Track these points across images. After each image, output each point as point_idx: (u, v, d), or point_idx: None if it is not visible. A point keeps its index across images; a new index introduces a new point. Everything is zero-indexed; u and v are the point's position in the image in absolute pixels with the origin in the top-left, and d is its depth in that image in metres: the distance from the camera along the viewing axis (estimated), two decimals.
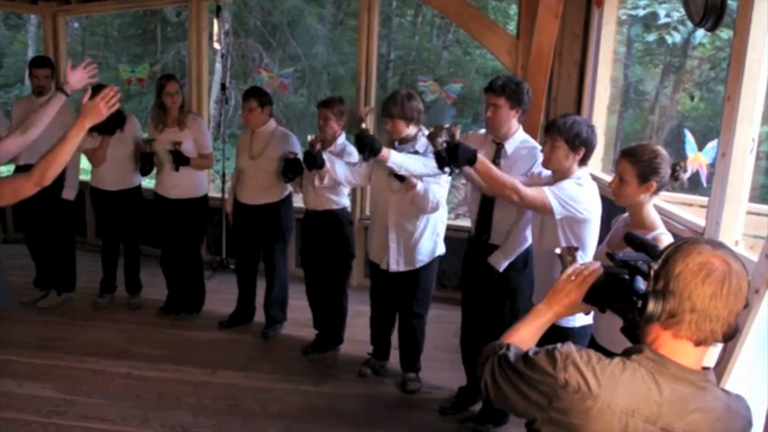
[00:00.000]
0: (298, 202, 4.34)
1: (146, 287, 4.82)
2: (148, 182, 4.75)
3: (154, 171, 4.42)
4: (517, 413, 1.45)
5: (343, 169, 3.63)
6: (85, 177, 4.84)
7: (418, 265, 3.61)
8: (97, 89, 2.44)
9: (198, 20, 5.31)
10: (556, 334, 1.67)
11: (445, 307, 4.35)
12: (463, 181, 3.88)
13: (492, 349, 1.50)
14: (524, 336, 1.54)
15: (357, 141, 3.27)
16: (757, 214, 3.37)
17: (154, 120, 4.34)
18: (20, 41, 12.23)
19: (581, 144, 2.68)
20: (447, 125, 2.82)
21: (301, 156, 3.85)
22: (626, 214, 2.50)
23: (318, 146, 3.61)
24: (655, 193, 2.37)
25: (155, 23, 11.66)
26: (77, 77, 2.91)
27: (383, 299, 3.81)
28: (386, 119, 3.44)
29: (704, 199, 3.11)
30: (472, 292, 3.43)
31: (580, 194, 2.68)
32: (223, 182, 5.40)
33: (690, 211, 3.30)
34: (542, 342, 1.50)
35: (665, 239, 2.23)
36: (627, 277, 1.46)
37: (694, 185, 3.27)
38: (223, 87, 5.52)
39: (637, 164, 2.33)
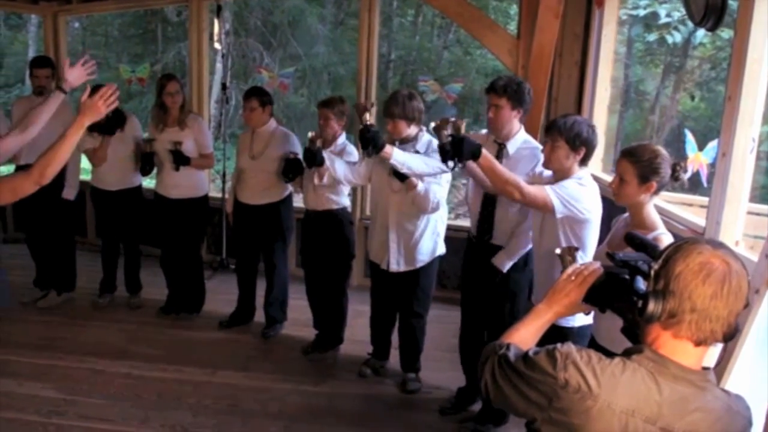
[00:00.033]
0: (298, 202, 4.34)
1: (146, 287, 4.82)
2: (148, 182, 4.75)
3: (155, 171, 4.42)
4: (517, 413, 1.45)
5: (342, 167, 3.63)
6: (85, 177, 4.84)
7: (419, 265, 3.61)
8: (96, 88, 2.44)
9: (198, 20, 5.31)
10: (556, 334, 1.67)
11: (445, 307, 4.35)
12: (464, 180, 3.88)
13: (492, 349, 1.50)
14: (524, 336, 1.54)
15: (360, 136, 3.26)
16: (758, 214, 3.37)
17: (155, 120, 4.34)
18: (21, 41, 12.24)
19: (582, 144, 2.68)
20: (453, 119, 2.81)
21: (301, 156, 3.85)
22: (626, 214, 2.50)
23: (318, 143, 3.61)
24: (656, 193, 2.37)
25: (156, 23, 11.67)
26: (75, 74, 2.90)
27: (383, 299, 3.81)
28: (387, 119, 3.43)
29: (704, 199, 3.11)
30: (472, 292, 3.43)
31: (581, 194, 2.68)
32: (224, 182, 5.40)
33: (690, 211, 3.29)
34: (542, 342, 1.50)
35: (665, 239, 2.23)
36: (627, 277, 1.46)
37: (695, 185, 3.27)
38: (223, 87, 5.52)
39: (638, 164, 2.33)
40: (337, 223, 3.97)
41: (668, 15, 7.89)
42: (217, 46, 5.46)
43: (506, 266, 3.22)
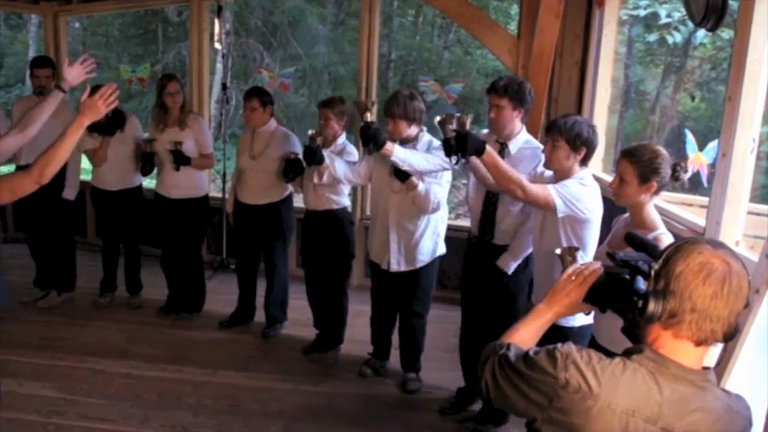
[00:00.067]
0: (298, 202, 4.34)
1: (147, 287, 4.82)
2: (148, 182, 4.75)
3: (155, 171, 4.42)
4: (517, 413, 1.45)
5: (342, 166, 3.63)
6: (86, 177, 4.84)
7: (419, 265, 3.61)
8: (96, 88, 2.44)
9: (199, 20, 5.31)
10: (556, 333, 1.67)
11: (445, 307, 4.35)
12: (464, 180, 3.88)
13: (492, 349, 1.50)
14: (524, 336, 1.54)
15: (361, 134, 3.26)
16: (758, 214, 3.37)
17: (155, 120, 4.34)
18: (21, 41, 12.24)
19: (582, 144, 2.68)
20: (458, 114, 2.81)
21: (301, 155, 3.85)
22: (627, 215, 2.50)
23: (318, 140, 3.61)
24: (656, 193, 2.37)
25: (156, 23, 11.67)
26: (74, 73, 2.90)
27: (384, 299, 3.81)
28: (388, 119, 3.43)
29: (705, 200, 3.11)
30: (472, 292, 3.43)
31: (582, 193, 2.68)
32: (224, 182, 5.40)
33: (690, 211, 3.30)
34: (542, 342, 1.50)
35: (666, 239, 2.23)
36: (627, 277, 1.46)
37: (695, 185, 3.27)
38: (224, 87, 5.52)
39: (638, 164, 2.33)
40: (338, 223, 3.97)
41: (668, 15, 7.89)
42: (217, 46, 5.46)
43: (511, 268, 3.22)
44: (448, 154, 2.83)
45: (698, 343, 1.31)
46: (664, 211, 2.99)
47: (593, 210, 2.70)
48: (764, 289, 2.19)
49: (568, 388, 1.31)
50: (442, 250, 3.69)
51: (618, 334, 1.53)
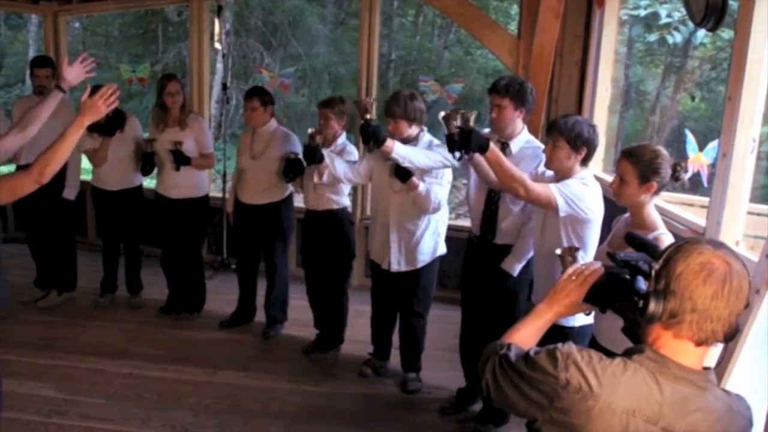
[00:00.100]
0: (298, 202, 4.34)
1: (147, 287, 4.82)
2: (149, 182, 4.76)
3: (155, 171, 4.42)
4: (518, 413, 1.45)
5: (342, 166, 3.62)
6: (86, 177, 4.84)
7: (419, 265, 3.61)
8: (96, 88, 2.44)
9: (199, 20, 5.31)
10: (556, 333, 1.67)
11: (445, 307, 4.35)
12: (464, 180, 3.88)
13: (493, 349, 1.50)
14: (525, 336, 1.54)
15: (362, 131, 3.25)
16: (758, 214, 3.37)
17: (155, 120, 4.34)
18: (21, 41, 12.23)
19: (583, 144, 2.68)
20: (462, 110, 2.81)
21: (301, 155, 3.85)
22: (627, 215, 2.51)
23: (318, 138, 3.61)
24: (656, 193, 2.37)
25: (156, 23, 11.67)
26: (74, 73, 2.90)
27: (384, 299, 3.81)
28: (389, 119, 3.43)
29: (705, 200, 3.11)
30: (473, 292, 3.43)
31: (584, 193, 2.67)
32: (224, 182, 5.40)
33: (690, 211, 3.30)
34: (543, 342, 1.50)
35: (666, 239, 2.23)
36: (628, 277, 1.46)
37: (695, 185, 3.27)
38: (224, 87, 5.52)
39: (638, 164, 2.33)
40: (338, 223, 3.97)
41: (669, 15, 7.89)
42: (217, 46, 5.46)
43: (516, 269, 3.22)
44: (452, 150, 2.82)
45: (699, 344, 1.31)
46: (664, 211, 2.99)
47: (594, 210, 2.70)
48: (764, 290, 2.19)
49: (568, 388, 1.31)
50: (442, 250, 3.69)
51: (618, 334, 1.53)
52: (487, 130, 3.37)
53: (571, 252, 1.63)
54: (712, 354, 1.42)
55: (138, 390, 3.66)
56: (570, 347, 1.36)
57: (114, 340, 4.23)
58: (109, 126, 4.15)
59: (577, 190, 2.66)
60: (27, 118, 2.87)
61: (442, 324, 4.12)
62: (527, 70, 4.22)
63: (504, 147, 3.16)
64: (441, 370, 3.89)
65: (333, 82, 11.00)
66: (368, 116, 3.28)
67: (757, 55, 2.46)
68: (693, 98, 9.72)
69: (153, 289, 4.78)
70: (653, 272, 1.32)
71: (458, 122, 2.75)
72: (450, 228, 3.84)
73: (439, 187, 3.45)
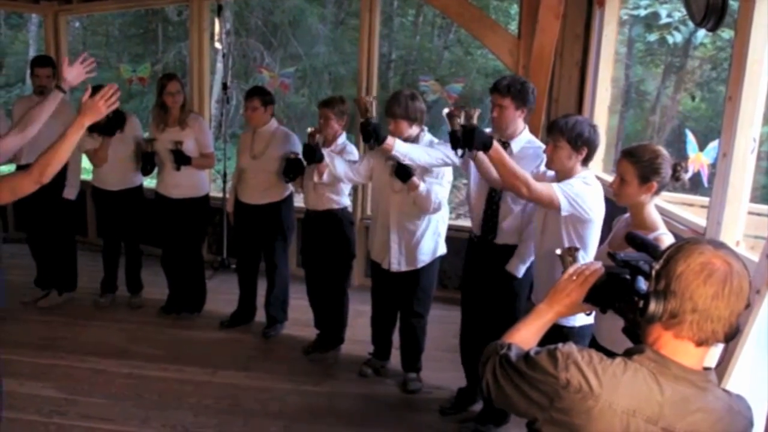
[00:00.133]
0: (298, 201, 4.34)
1: (147, 287, 4.82)
2: (149, 182, 4.76)
3: (156, 170, 4.42)
4: (518, 413, 1.45)
5: (342, 165, 3.62)
6: (86, 177, 4.84)
7: (420, 264, 3.61)
8: (97, 89, 2.44)
9: (199, 20, 5.31)
10: (556, 333, 1.68)
11: (446, 307, 4.35)
12: (465, 180, 3.87)
13: (493, 349, 1.50)
14: (525, 336, 1.54)
15: (362, 129, 3.25)
16: (758, 214, 3.36)
17: (156, 119, 4.34)
18: (21, 41, 12.23)
19: (584, 144, 2.67)
20: (466, 107, 2.80)
21: (301, 155, 3.85)
22: (627, 215, 2.50)
23: (318, 137, 3.61)
24: (656, 193, 2.37)
25: (156, 23, 11.67)
26: (74, 73, 2.90)
27: (384, 299, 3.81)
28: (389, 119, 3.42)
29: (705, 200, 3.11)
30: (473, 292, 3.43)
31: (586, 193, 2.67)
32: (224, 182, 5.40)
33: (691, 211, 3.29)
34: (543, 341, 1.51)
35: (666, 239, 2.23)
36: (628, 277, 1.46)
37: (695, 185, 3.27)
38: (224, 86, 5.52)
39: (638, 164, 2.33)
40: (338, 222, 3.97)
41: (669, 15, 7.90)
42: (217, 45, 5.47)
43: (521, 271, 3.22)
44: (455, 147, 2.82)
45: (699, 344, 1.31)
46: (664, 211, 2.99)
47: (596, 210, 2.70)
48: (765, 290, 2.19)
49: (569, 388, 1.31)
50: (442, 250, 3.69)
51: (619, 335, 1.53)
52: (488, 130, 3.37)
53: (572, 252, 1.63)
54: (713, 354, 1.42)
55: (138, 390, 3.66)
56: (570, 347, 1.36)
57: (114, 339, 4.23)
58: (110, 126, 4.16)
59: (579, 190, 2.66)
60: (27, 119, 2.87)
61: (443, 324, 4.12)
62: (527, 70, 4.22)
63: (505, 147, 3.15)
64: (441, 370, 3.89)
65: (333, 82, 11.00)
66: (368, 115, 3.27)
67: (757, 55, 2.46)
68: (693, 98, 9.72)
69: (153, 289, 4.79)
70: (654, 272, 1.32)
71: (462, 119, 2.75)
72: (450, 228, 3.85)
73: (440, 187, 3.45)
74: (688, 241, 1.34)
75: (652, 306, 1.29)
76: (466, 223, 4.46)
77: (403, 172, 3.36)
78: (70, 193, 4.44)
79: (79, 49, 10.49)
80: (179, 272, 4.56)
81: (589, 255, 2.67)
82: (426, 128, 3.53)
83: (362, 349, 4.04)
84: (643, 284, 1.42)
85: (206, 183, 4.53)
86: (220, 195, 5.28)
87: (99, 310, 4.66)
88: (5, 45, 12.38)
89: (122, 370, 3.85)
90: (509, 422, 3.37)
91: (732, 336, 1.31)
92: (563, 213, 2.65)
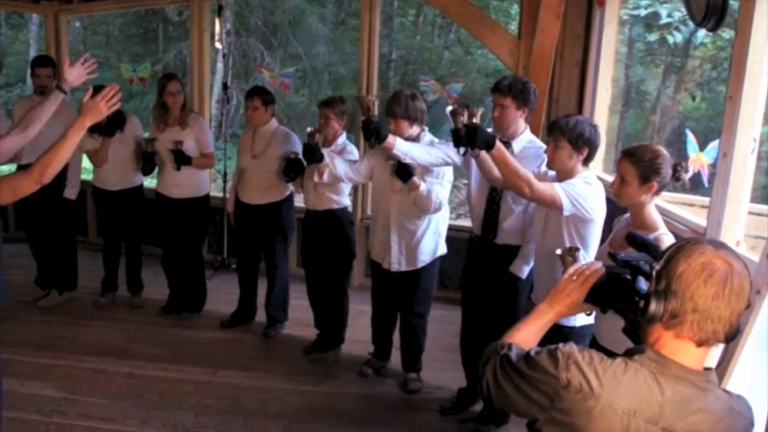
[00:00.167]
0: (299, 201, 4.34)
1: (148, 287, 4.82)
2: (149, 182, 4.76)
3: (156, 170, 4.43)
4: (518, 413, 1.45)
5: (342, 165, 3.62)
6: (87, 176, 4.84)
7: (420, 264, 3.61)
8: (97, 89, 2.44)
9: (200, 20, 5.31)
10: (557, 333, 1.68)
11: (446, 307, 4.35)
12: (465, 180, 3.87)
13: (494, 349, 1.50)
14: (526, 336, 1.54)
15: (363, 127, 3.23)
16: (759, 214, 3.37)
17: (156, 119, 4.34)
18: (22, 40, 12.24)
19: (584, 144, 2.67)
20: (469, 106, 2.80)
21: (301, 154, 3.85)
22: (628, 215, 2.50)
23: (318, 137, 3.61)
24: (657, 193, 2.37)
25: (157, 23, 11.67)
26: (75, 74, 2.90)
27: (384, 299, 3.81)
28: (390, 119, 3.42)
29: (705, 200, 3.11)
30: (473, 292, 3.43)
31: (587, 193, 2.67)
32: (225, 182, 5.40)
33: (691, 211, 3.30)
34: (543, 341, 1.50)
35: (667, 239, 2.23)
36: (629, 277, 1.46)
37: (696, 185, 3.27)
38: (224, 86, 5.52)
39: (639, 164, 2.33)
40: (338, 222, 3.97)
41: (669, 15, 7.89)
42: (218, 45, 5.47)
43: (524, 272, 3.22)
44: (457, 145, 2.82)
45: (700, 344, 1.31)
46: (665, 211, 2.99)
47: (597, 209, 2.70)
48: (765, 290, 2.19)
49: (569, 389, 1.31)
50: (443, 250, 3.69)
51: (619, 335, 1.53)
52: (489, 130, 3.37)
53: (572, 252, 1.63)
54: (713, 354, 1.42)
55: (138, 390, 3.66)
56: (571, 347, 1.36)
57: (114, 339, 4.24)
58: (110, 126, 4.16)
59: (581, 190, 2.66)
60: (28, 119, 2.87)
61: (443, 324, 4.12)
62: (528, 70, 4.22)
63: (506, 146, 3.15)
64: (441, 370, 3.89)
65: (333, 81, 11.00)
66: (370, 114, 3.27)
67: (757, 55, 2.46)
68: (693, 98, 9.72)
69: (154, 289, 4.79)
70: (654, 272, 1.32)
71: (465, 118, 2.75)
72: (451, 228, 3.85)
73: (440, 187, 3.45)
74: (688, 241, 1.34)
75: (653, 306, 1.29)
76: (466, 223, 4.46)
77: (404, 172, 3.36)
78: (71, 193, 4.45)
79: (79, 49, 10.50)
80: (179, 272, 4.56)
81: (590, 255, 2.68)
82: (426, 128, 3.53)
83: (362, 349, 4.04)
84: (643, 284, 1.42)
85: (206, 183, 4.53)
86: (221, 195, 5.28)
87: (99, 310, 4.66)
88: (6, 45, 12.38)
89: (122, 370, 3.85)
90: (509, 422, 3.36)
91: (732, 336, 1.31)
92: (565, 213, 2.65)
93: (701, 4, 2.66)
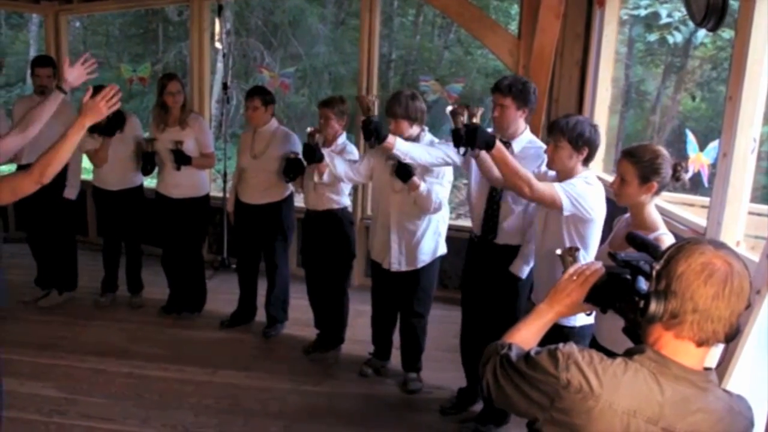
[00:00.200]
0: (299, 201, 4.34)
1: (148, 287, 4.82)
2: (149, 181, 4.76)
3: (156, 170, 4.43)
4: (518, 413, 1.45)
5: (343, 165, 3.62)
6: (87, 176, 4.84)
7: (420, 264, 3.61)
8: (97, 89, 2.44)
9: (200, 20, 5.31)
10: (557, 333, 1.68)
11: (446, 307, 4.35)
12: (465, 180, 3.87)
13: (494, 349, 1.50)
14: (526, 336, 1.54)
15: (363, 127, 3.23)
16: (759, 214, 3.37)
17: (156, 119, 4.34)
18: (22, 40, 12.24)
19: (584, 144, 2.67)
20: (470, 105, 2.80)
21: (301, 154, 3.85)
22: (628, 215, 2.50)
23: (317, 137, 3.61)
24: (657, 193, 2.37)
25: (157, 22, 11.67)
26: (75, 75, 2.90)
27: (384, 299, 3.81)
28: (390, 119, 3.42)
29: (705, 200, 3.11)
30: (473, 292, 3.43)
31: (587, 193, 2.67)
32: (225, 182, 5.40)
33: (691, 211, 3.30)
34: (543, 341, 1.51)
35: (667, 239, 2.23)
36: (629, 277, 1.46)
37: (696, 185, 3.27)
38: (224, 86, 5.52)
39: (639, 164, 2.33)
40: (338, 222, 3.97)
41: (669, 15, 7.89)
42: (218, 45, 5.47)
43: (524, 272, 3.22)
44: (457, 145, 2.82)
45: (700, 344, 1.31)
46: (664, 211, 2.99)
47: (597, 209, 2.70)
48: (765, 290, 2.19)
49: (569, 389, 1.31)
50: (443, 250, 3.69)
51: (619, 335, 1.53)
52: (489, 130, 3.37)
53: (572, 252, 1.63)
54: (713, 354, 1.42)
55: (138, 389, 3.66)
56: (571, 347, 1.36)
57: (115, 339, 4.24)
58: (110, 126, 4.16)
59: (581, 190, 2.66)
60: (28, 119, 2.87)
61: (443, 324, 4.12)
62: (527, 70, 4.22)
63: (506, 146, 3.15)
64: (442, 370, 3.89)
65: (333, 81, 11.00)
66: (370, 114, 3.26)
67: (757, 55, 2.46)
68: (693, 98, 9.72)
69: (154, 289, 4.79)
70: (654, 272, 1.32)
71: (465, 118, 2.75)
72: (451, 228, 3.85)
73: (440, 187, 3.45)
74: (688, 242, 1.34)
75: (653, 306, 1.29)
76: (466, 223, 4.46)
77: (404, 172, 3.36)
78: (71, 193, 4.45)
79: (79, 49, 10.51)
80: (179, 272, 4.56)
81: (590, 255, 2.68)
82: (426, 128, 3.53)
83: (362, 349, 4.04)
84: (643, 284, 1.42)
85: (206, 183, 4.53)
86: (221, 195, 5.28)
87: (99, 310, 4.66)
88: (6, 45, 12.39)
89: (122, 370, 3.85)
90: (509, 422, 3.37)
91: (732, 336, 1.31)
92: (565, 213, 2.65)
93: (701, 4, 2.66)
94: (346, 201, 4.04)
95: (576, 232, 2.70)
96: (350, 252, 4.07)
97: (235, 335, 4.38)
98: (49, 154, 2.32)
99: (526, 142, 3.18)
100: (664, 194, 2.68)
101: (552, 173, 2.86)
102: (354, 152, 3.89)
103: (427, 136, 3.49)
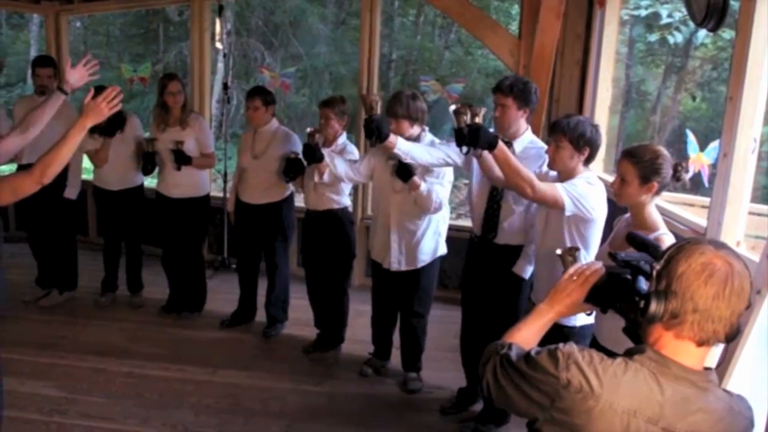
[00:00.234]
0: (299, 201, 4.34)
1: (148, 286, 4.82)
2: (150, 181, 4.76)
3: (156, 170, 4.43)
4: (518, 413, 1.45)
5: (343, 165, 3.62)
6: (87, 176, 4.84)
7: (420, 264, 3.61)
8: (99, 90, 2.45)
9: (200, 20, 5.32)
10: (557, 333, 1.68)
11: (446, 307, 4.36)
12: (465, 180, 3.87)
13: (494, 349, 1.50)
14: (526, 336, 1.54)
15: (365, 125, 3.22)
16: (759, 214, 3.37)
17: (156, 119, 4.35)
18: (23, 40, 12.24)
19: (585, 144, 2.68)
20: (472, 105, 2.80)
21: (301, 154, 3.85)
22: (628, 215, 2.50)
23: (318, 137, 3.61)
24: (657, 193, 2.37)
25: (157, 23, 11.68)
26: (77, 75, 2.91)
27: (385, 299, 3.81)
28: (390, 119, 3.42)
29: (706, 200, 3.11)
30: (473, 292, 3.43)
31: (589, 193, 2.67)
32: (225, 182, 5.41)
33: (691, 211, 3.29)
34: (543, 341, 1.51)
35: (667, 239, 2.23)
36: (629, 277, 1.46)
37: (696, 186, 3.27)
38: (225, 86, 5.52)
39: (639, 165, 2.33)
40: (338, 222, 3.97)
41: (670, 15, 7.89)
42: (218, 45, 5.47)
43: (527, 272, 3.22)
44: (460, 145, 2.82)
45: (700, 344, 1.31)
46: (665, 211, 2.99)
47: (598, 210, 2.70)
48: (766, 290, 2.19)
49: (569, 388, 1.31)
50: (443, 250, 3.69)
51: (619, 335, 1.53)
52: (491, 130, 3.36)
53: (572, 252, 1.63)
54: (714, 354, 1.42)
55: (139, 389, 3.66)
56: (571, 347, 1.36)
57: (115, 339, 4.24)
58: (110, 127, 4.17)
59: (583, 190, 2.66)
60: (29, 120, 2.88)
61: (443, 324, 4.12)
62: (528, 71, 4.22)
63: (508, 147, 3.15)
64: (442, 369, 3.89)
65: (334, 81, 11.00)
66: (373, 113, 3.26)
67: (758, 56, 2.46)
68: (694, 98, 9.71)
69: (154, 289, 4.79)
70: (654, 272, 1.32)
71: (468, 117, 2.75)
72: (451, 228, 3.85)
73: (441, 187, 3.45)
74: (689, 242, 1.34)
75: (653, 306, 1.29)
76: (466, 223, 4.46)
77: (404, 172, 3.36)
78: (71, 192, 4.45)
79: (80, 49, 10.53)
80: (180, 272, 4.56)
81: (590, 255, 2.68)
82: (427, 128, 3.53)
83: (362, 349, 4.04)
84: (643, 284, 1.42)
85: (207, 183, 4.54)
86: (221, 195, 5.28)
87: (99, 310, 4.67)
88: (7, 45, 12.39)
89: (123, 370, 3.85)
90: (509, 422, 3.37)
91: (733, 336, 1.31)
92: (567, 213, 2.65)
93: (702, 5, 2.66)
94: (346, 201, 4.04)
95: (577, 232, 2.70)
96: (350, 252, 4.07)
97: (235, 335, 4.38)
98: (50, 154, 2.33)
99: (527, 143, 3.19)
100: (665, 194, 2.68)
101: (553, 173, 2.86)
102: (354, 152, 3.89)
103: (428, 137, 3.49)
